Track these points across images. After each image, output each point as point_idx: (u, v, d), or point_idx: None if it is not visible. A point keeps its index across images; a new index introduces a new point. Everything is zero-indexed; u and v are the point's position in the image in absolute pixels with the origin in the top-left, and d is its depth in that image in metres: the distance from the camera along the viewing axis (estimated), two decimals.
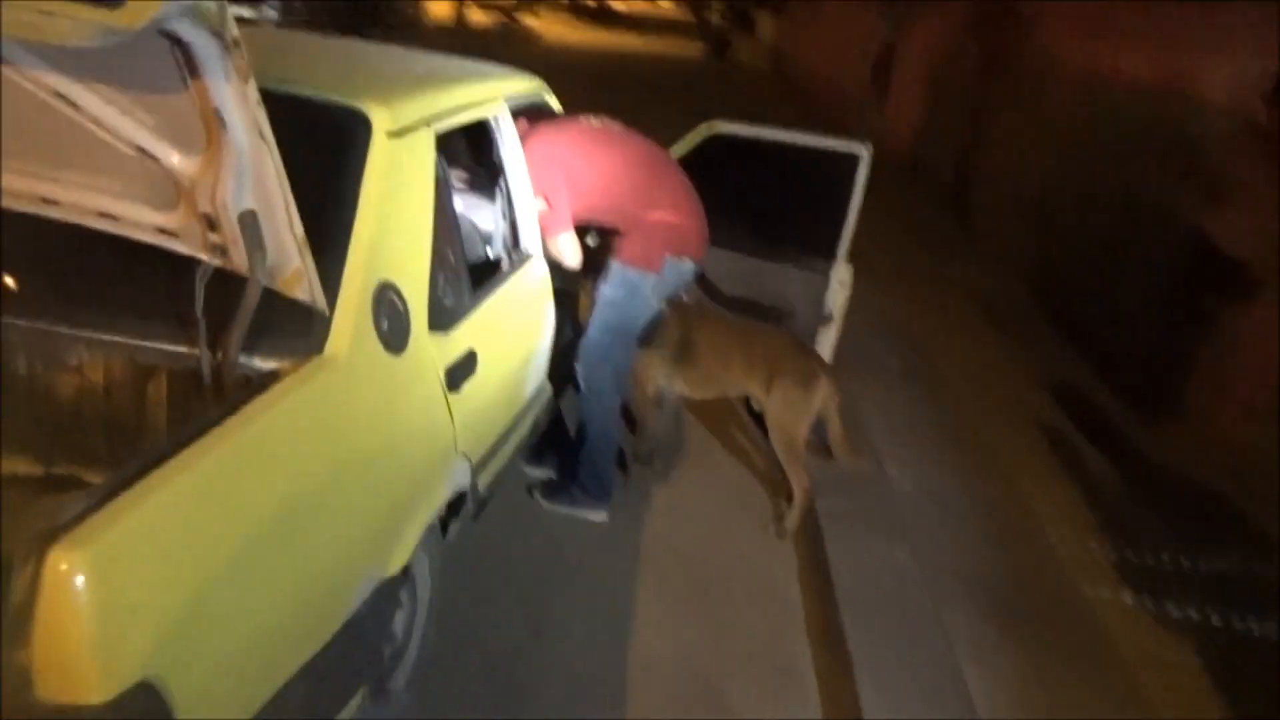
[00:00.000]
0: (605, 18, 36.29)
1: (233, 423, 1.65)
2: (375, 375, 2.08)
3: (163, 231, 1.89)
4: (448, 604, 2.93)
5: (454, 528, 2.70)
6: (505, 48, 19.40)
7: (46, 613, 1.32)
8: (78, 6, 1.30)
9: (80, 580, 1.32)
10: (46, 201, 1.91)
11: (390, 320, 2.14)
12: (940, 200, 9.95)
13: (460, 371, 2.45)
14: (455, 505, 2.65)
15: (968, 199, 9.35)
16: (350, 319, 2.00)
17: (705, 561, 3.52)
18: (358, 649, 2.03)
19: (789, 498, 3.78)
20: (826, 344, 4.03)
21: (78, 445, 2.11)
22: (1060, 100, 7.48)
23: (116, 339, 1.98)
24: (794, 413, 3.66)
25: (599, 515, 3.66)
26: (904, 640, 3.06)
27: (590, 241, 3.59)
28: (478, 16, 23.97)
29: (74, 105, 1.69)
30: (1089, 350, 5.94)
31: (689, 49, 27.50)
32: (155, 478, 1.49)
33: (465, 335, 2.52)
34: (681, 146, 3.97)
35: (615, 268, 3.36)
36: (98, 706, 1.34)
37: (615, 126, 3.50)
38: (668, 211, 3.33)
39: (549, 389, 3.62)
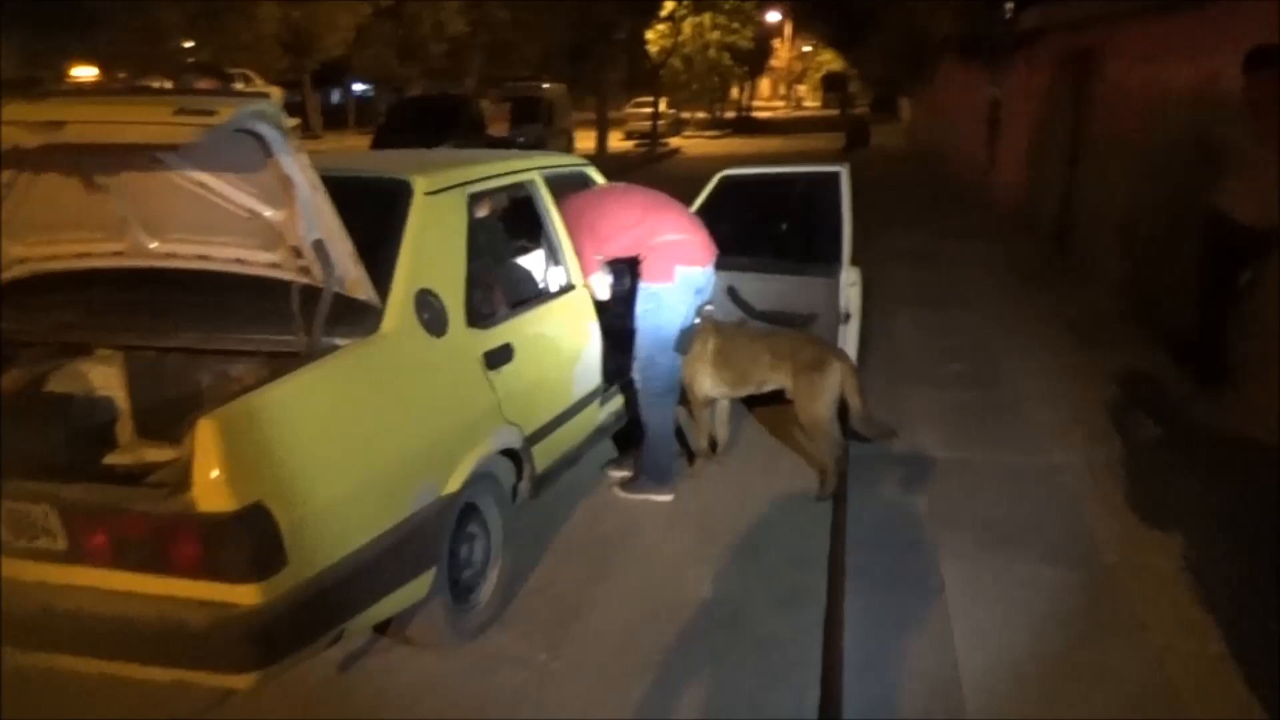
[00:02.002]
0: (747, 127, 38.22)
1: (319, 362, 2.64)
2: (418, 348, 3.02)
3: (272, 265, 2.92)
4: (527, 556, 3.79)
5: (521, 490, 3.59)
6: (643, 166, 21.06)
7: (199, 456, 2.28)
8: (194, 116, 2.34)
9: (216, 435, 2.28)
10: (201, 258, 2.99)
11: (430, 314, 3.09)
12: (1047, 238, 10.28)
13: (497, 356, 3.38)
14: (518, 470, 3.55)
15: (1068, 232, 9.67)
16: (397, 311, 2.96)
17: (748, 524, 4.19)
18: (421, 539, 2.90)
19: (824, 470, 4.42)
20: (850, 339, 4.69)
21: None
22: (1129, 125, 7.87)
23: (245, 336, 2.99)
24: (815, 394, 4.33)
25: (664, 496, 4.43)
26: (895, 558, 3.64)
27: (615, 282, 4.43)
28: (622, 144, 26.03)
29: (208, 188, 2.75)
30: (1163, 342, 6.21)
31: (831, 141, 28.47)
32: (268, 387, 2.47)
33: (502, 333, 3.46)
34: (703, 194, 4.85)
35: (641, 287, 4.23)
36: (228, 512, 2.27)
37: (621, 185, 4.49)
38: (671, 234, 4.20)
39: (617, 401, 4.49)
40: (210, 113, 2.34)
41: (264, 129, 2.49)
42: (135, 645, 2.38)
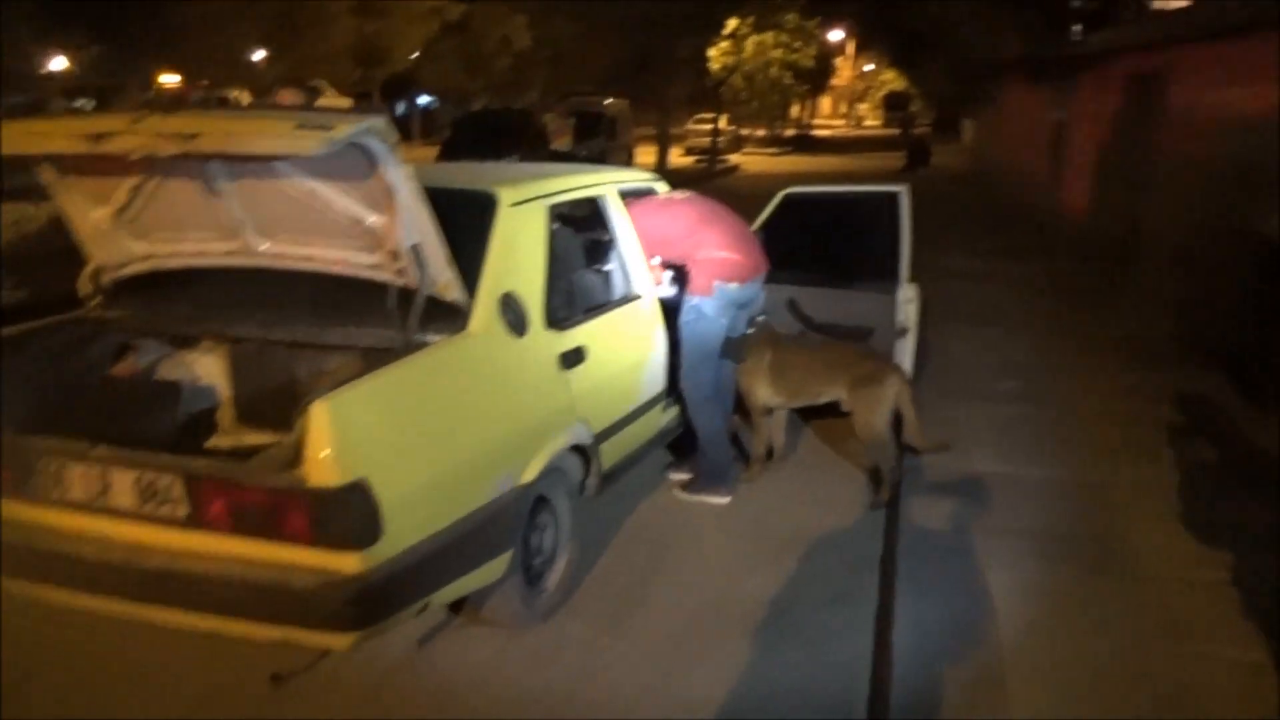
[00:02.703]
0: (806, 145, 38.29)
1: (414, 356, 2.90)
2: (501, 346, 3.27)
3: (372, 267, 3.18)
4: (592, 548, 4.00)
5: (588, 485, 3.81)
6: (702, 181, 21.25)
7: (311, 435, 2.53)
8: (315, 131, 2.60)
9: (327, 417, 2.53)
10: (307, 259, 3.26)
11: (513, 315, 3.33)
12: (1109, 259, 10.28)
13: (571, 357, 3.61)
14: (586, 466, 3.77)
15: (1131, 253, 9.67)
16: (483, 312, 3.21)
17: (801, 527, 4.34)
18: (500, 524, 3.13)
19: (879, 479, 4.58)
20: (905, 353, 4.84)
21: None
22: (1193, 148, 7.92)
23: (345, 331, 3.27)
24: (871, 406, 4.49)
25: (722, 499, 4.61)
26: (944, 563, 3.78)
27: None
28: (682, 160, 26.31)
29: (316, 196, 3.02)
30: (1220, 364, 6.26)
31: (891, 161, 28.40)
32: (370, 376, 2.73)
33: (576, 335, 3.69)
34: (766, 210, 5.05)
35: (685, 299, 4.44)
36: (334, 487, 2.52)
37: (681, 194, 4.72)
38: (715, 249, 4.37)
39: (675, 407, 4.70)
40: (329, 127, 2.61)
41: (373, 143, 2.75)
42: (247, 604, 2.64)
